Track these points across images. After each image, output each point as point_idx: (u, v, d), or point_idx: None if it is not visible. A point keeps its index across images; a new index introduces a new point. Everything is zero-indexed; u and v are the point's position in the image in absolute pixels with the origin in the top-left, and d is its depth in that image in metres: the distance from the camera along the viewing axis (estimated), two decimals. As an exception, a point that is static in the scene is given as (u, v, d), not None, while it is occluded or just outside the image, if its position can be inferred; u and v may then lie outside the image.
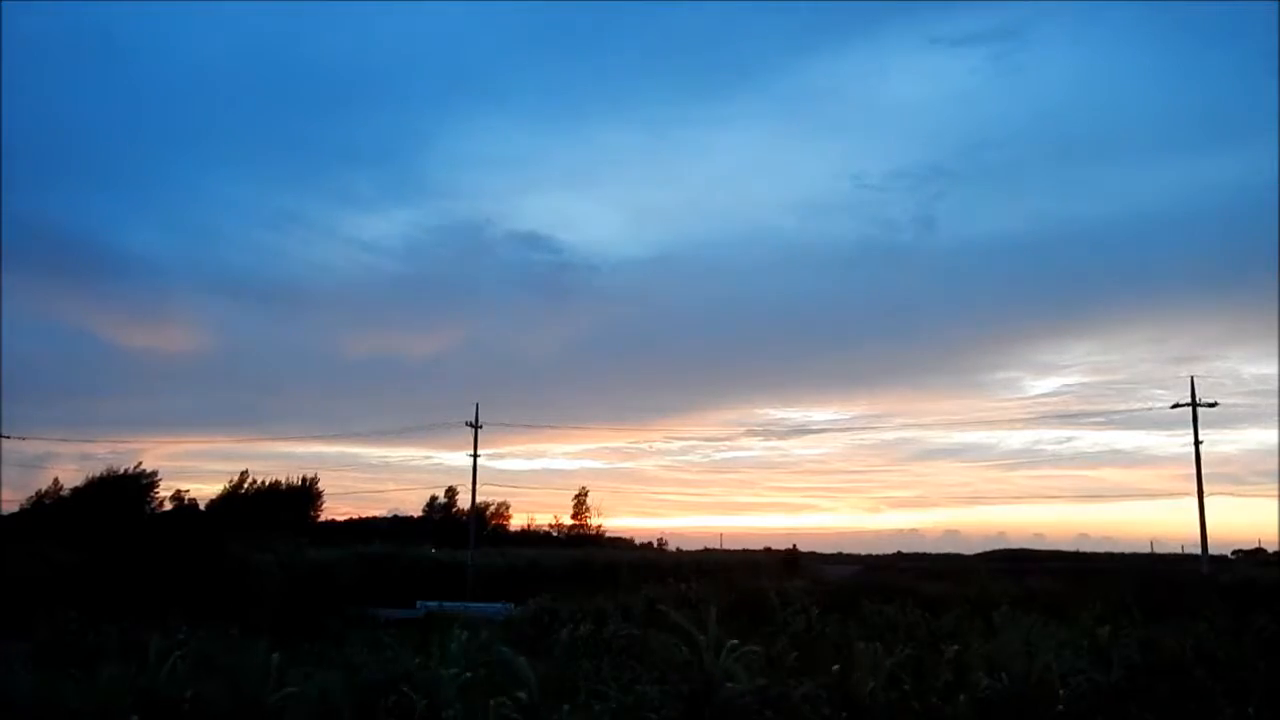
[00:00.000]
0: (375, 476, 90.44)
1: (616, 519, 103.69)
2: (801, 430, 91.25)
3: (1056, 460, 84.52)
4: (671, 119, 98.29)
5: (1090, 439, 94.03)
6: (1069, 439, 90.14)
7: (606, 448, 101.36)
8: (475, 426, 44.04)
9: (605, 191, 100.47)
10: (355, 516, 64.23)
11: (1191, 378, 39.31)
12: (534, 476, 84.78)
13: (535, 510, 71.83)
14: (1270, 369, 70.52)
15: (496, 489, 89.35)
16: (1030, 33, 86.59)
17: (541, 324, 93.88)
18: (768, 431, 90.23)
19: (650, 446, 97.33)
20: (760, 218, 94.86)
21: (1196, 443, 38.26)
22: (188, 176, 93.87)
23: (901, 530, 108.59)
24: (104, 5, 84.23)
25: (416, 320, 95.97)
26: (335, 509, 66.75)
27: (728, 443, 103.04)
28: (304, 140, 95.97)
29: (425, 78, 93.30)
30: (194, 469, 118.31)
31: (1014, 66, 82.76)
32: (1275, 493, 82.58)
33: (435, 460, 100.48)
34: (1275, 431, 75.49)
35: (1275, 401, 77.48)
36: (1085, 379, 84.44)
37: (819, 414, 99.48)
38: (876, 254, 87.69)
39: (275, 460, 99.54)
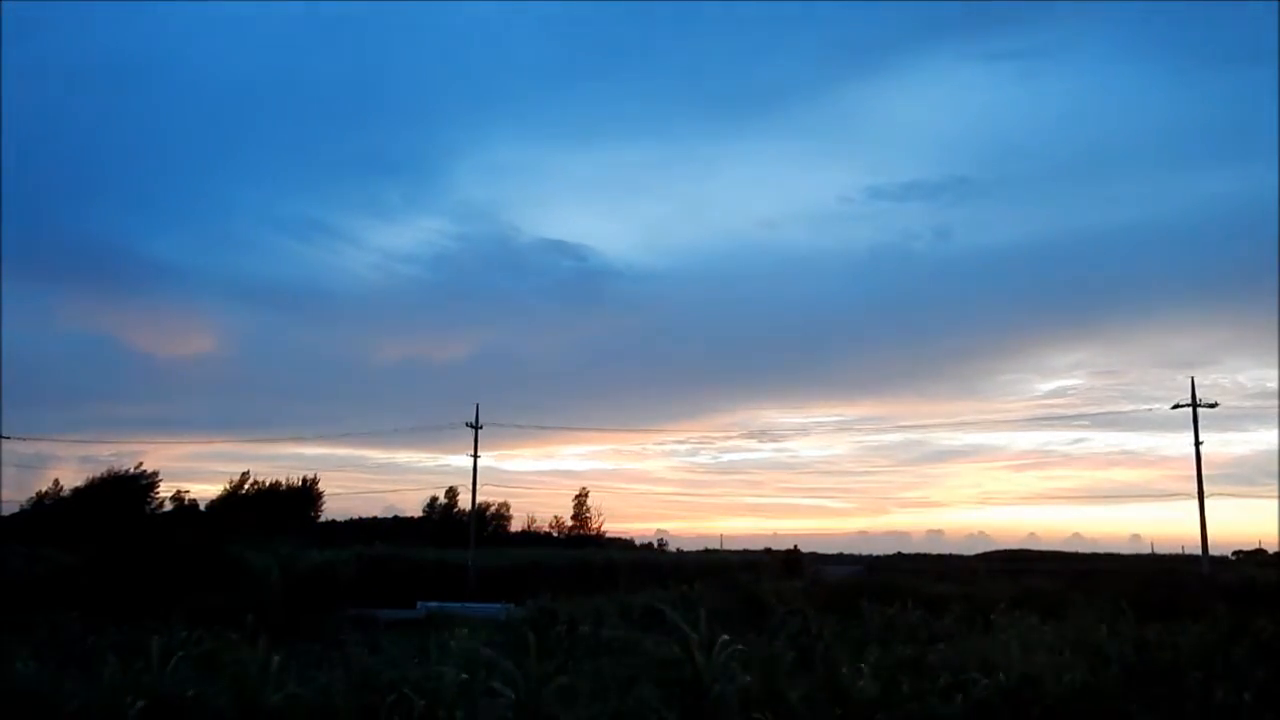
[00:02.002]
0: (383, 479, 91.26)
1: (622, 520, 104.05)
2: (805, 431, 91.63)
3: (1061, 461, 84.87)
4: (693, 134, 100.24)
5: (1094, 442, 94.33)
6: (1075, 441, 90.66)
7: (616, 449, 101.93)
8: (475, 427, 44.11)
9: (627, 203, 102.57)
10: (356, 517, 64.27)
11: (1192, 378, 39.39)
12: (542, 478, 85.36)
13: (544, 511, 71.92)
14: (1271, 373, 70.89)
15: (505, 491, 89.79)
16: (1042, 52, 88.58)
17: (557, 330, 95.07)
18: (769, 434, 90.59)
19: (645, 449, 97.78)
20: (776, 228, 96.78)
21: (1197, 444, 38.28)
22: (215, 187, 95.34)
23: (905, 531, 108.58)
24: (134, 23, 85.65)
25: (436, 326, 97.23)
26: (347, 510, 67.08)
27: (735, 444, 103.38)
28: (332, 151, 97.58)
29: (453, 91, 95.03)
30: (207, 470, 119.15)
31: (1026, 84, 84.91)
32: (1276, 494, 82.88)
33: (443, 463, 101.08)
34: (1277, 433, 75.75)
35: (1275, 404, 77.82)
36: (1090, 383, 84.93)
37: (826, 416, 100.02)
38: (888, 262, 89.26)
39: (285, 462, 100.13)
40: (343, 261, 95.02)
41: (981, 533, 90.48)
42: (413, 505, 68.40)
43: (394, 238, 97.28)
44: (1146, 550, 58.24)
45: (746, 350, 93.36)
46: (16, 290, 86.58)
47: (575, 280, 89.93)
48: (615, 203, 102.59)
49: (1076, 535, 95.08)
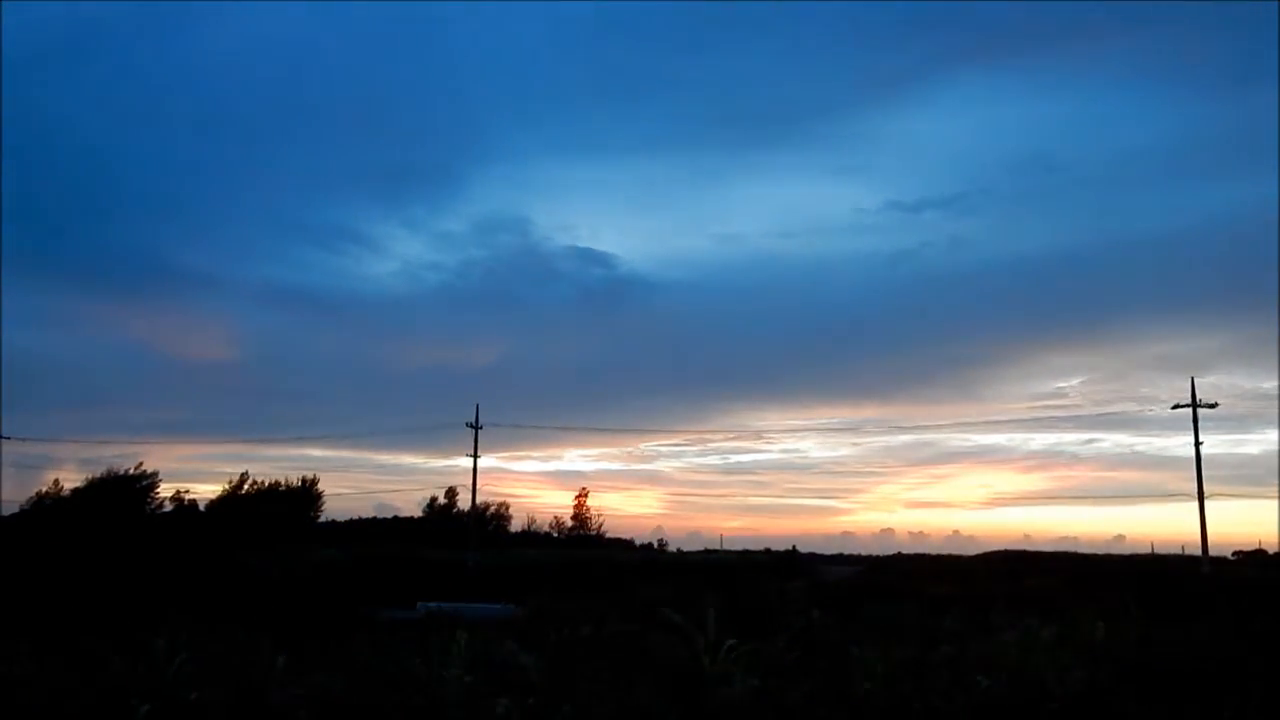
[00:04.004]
0: (390, 481, 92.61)
1: (625, 521, 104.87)
2: (808, 433, 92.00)
3: (1066, 463, 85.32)
4: (713, 148, 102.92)
5: (1097, 444, 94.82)
6: (1080, 443, 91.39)
7: (625, 451, 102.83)
8: (475, 428, 44.09)
9: (647, 215, 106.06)
10: (356, 517, 64.28)
11: (1192, 379, 39.37)
12: (549, 479, 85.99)
13: (551, 514, 72.19)
14: (1272, 378, 71.44)
15: (513, 493, 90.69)
16: (1049, 75, 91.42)
17: (574, 336, 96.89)
18: (767, 435, 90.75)
19: (647, 449, 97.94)
20: (792, 239, 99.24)
21: (1197, 444, 38.28)
22: (244, 196, 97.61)
23: (906, 532, 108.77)
24: (163, 38, 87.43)
25: (456, 332, 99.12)
26: (349, 510, 67.24)
27: (739, 445, 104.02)
28: (360, 161, 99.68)
29: (480, 105, 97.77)
30: (216, 472, 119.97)
31: (1033, 104, 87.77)
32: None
33: (451, 464, 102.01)
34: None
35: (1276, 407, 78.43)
36: (1093, 387, 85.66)
37: (831, 419, 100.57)
38: (898, 272, 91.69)
39: (292, 463, 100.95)
40: (368, 269, 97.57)
41: (980, 534, 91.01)
42: (414, 506, 68.55)
43: (419, 246, 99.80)
44: (1147, 550, 58.27)
45: (754, 355, 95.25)
46: (48, 297, 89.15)
47: (596, 289, 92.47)
48: (636, 214, 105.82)
49: (1078, 536, 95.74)
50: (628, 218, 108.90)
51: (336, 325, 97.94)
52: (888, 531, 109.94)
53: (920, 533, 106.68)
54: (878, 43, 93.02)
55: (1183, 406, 39.07)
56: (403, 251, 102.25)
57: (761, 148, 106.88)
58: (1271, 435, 74.65)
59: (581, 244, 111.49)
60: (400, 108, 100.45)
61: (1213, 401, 38.91)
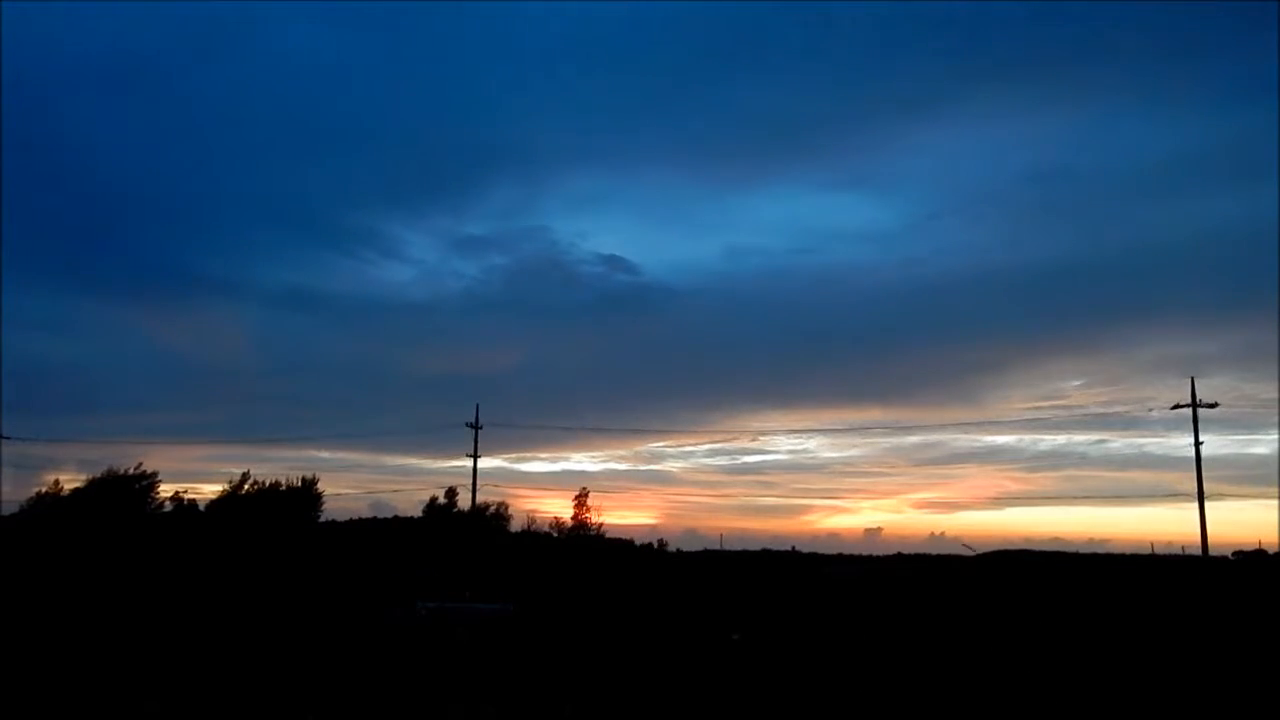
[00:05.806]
0: (396, 482, 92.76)
1: (626, 522, 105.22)
2: (817, 433, 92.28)
3: (1069, 464, 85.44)
4: (730, 159, 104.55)
5: (1100, 446, 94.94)
6: (1089, 443, 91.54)
7: (634, 452, 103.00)
8: (475, 428, 44.10)
9: (665, 225, 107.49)
10: (356, 517, 64.18)
11: (1191, 379, 39.29)
12: (557, 479, 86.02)
13: (559, 513, 72.40)
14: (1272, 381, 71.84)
15: (521, 494, 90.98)
16: (1060, 90, 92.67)
17: (586, 341, 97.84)
18: (765, 436, 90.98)
19: (649, 450, 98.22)
20: (804, 248, 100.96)
21: (1197, 444, 38.22)
22: (263, 201, 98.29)
23: (911, 532, 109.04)
24: (190, 56, 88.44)
25: (471, 336, 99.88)
26: (350, 510, 67.24)
27: (743, 447, 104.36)
28: (382, 169, 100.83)
29: (499, 116, 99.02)
30: (221, 472, 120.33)
31: (1040, 122, 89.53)
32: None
33: (457, 465, 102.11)
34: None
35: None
36: (1098, 390, 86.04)
37: (839, 421, 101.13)
38: (910, 278, 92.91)
39: (299, 464, 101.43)
40: (389, 275, 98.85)
41: (982, 534, 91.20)
42: (415, 507, 68.54)
43: (440, 252, 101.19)
44: (1146, 551, 58.29)
45: (763, 359, 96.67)
46: (81, 305, 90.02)
47: (613, 296, 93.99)
48: (653, 223, 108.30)
49: (1079, 536, 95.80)
50: (645, 226, 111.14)
51: (355, 330, 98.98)
52: (890, 532, 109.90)
53: (921, 533, 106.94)
54: (893, 59, 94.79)
55: (1183, 406, 38.99)
56: (424, 258, 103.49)
57: (778, 159, 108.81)
58: (1274, 437, 74.64)
59: (601, 251, 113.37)
60: (423, 117, 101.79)
61: (1212, 401, 38.84)
